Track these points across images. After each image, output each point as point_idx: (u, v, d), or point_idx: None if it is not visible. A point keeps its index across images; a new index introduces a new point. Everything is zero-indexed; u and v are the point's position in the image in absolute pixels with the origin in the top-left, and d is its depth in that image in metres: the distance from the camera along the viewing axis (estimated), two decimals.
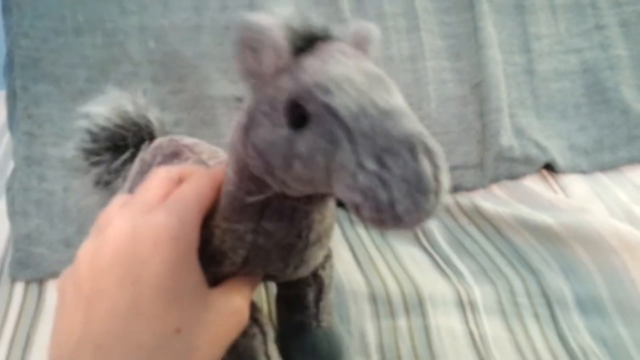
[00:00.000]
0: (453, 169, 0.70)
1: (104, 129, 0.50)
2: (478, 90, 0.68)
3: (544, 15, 0.72)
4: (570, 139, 0.74)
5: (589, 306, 0.53)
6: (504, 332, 0.51)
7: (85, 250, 0.30)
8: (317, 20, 0.29)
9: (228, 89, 0.62)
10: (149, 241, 0.28)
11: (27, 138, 0.62)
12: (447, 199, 0.66)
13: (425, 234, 0.63)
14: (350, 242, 0.63)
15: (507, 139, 0.68)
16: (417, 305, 0.54)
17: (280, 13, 0.27)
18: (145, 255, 0.28)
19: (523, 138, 0.70)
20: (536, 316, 0.53)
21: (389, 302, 0.55)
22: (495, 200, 0.67)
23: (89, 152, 0.51)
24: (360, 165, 0.23)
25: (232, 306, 0.31)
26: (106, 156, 0.51)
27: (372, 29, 0.30)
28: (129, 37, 0.63)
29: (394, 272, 0.58)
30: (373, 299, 0.55)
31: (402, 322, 0.53)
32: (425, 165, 0.23)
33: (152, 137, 0.51)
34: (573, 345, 0.50)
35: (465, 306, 0.54)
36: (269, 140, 0.27)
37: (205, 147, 0.45)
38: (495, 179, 0.71)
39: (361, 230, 0.65)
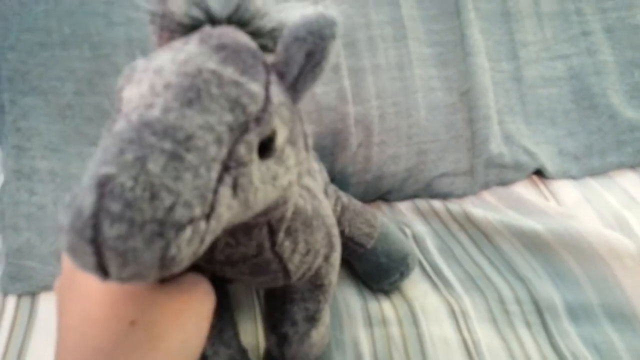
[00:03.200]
0: (443, 176, 0.69)
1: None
2: (466, 97, 0.68)
3: (530, 22, 0.72)
4: (560, 145, 0.73)
5: (579, 313, 0.53)
6: (496, 339, 0.51)
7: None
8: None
9: None
10: None
11: (16, 152, 0.62)
12: (438, 205, 0.66)
13: (415, 240, 0.63)
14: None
15: (496, 145, 0.68)
16: (408, 314, 0.54)
17: None
18: None
19: (512, 144, 0.70)
20: (527, 324, 0.53)
21: (381, 310, 0.55)
22: (485, 207, 0.67)
23: None
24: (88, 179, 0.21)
25: (197, 287, 0.29)
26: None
27: (322, 21, 0.25)
28: (116, 49, 0.62)
29: None
30: (365, 307, 0.55)
31: (394, 330, 0.53)
32: (86, 202, 0.19)
33: None
34: (565, 352, 0.50)
35: (457, 315, 0.54)
36: None
37: None
38: (486, 186, 0.71)
39: None
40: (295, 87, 0.26)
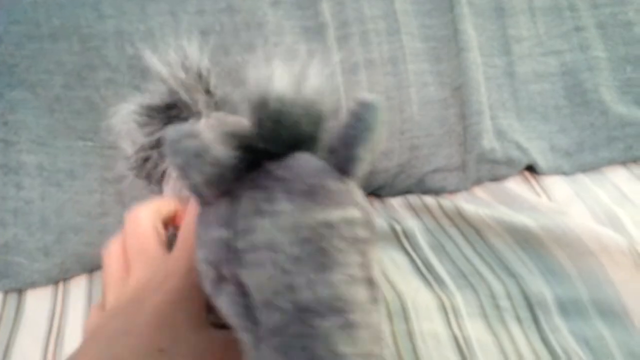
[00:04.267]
0: (435, 171, 0.69)
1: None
2: (459, 93, 0.67)
3: (524, 17, 0.72)
4: (552, 141, 0.73)
5: (570, 308, 0.53)
6: (487, 335, 0.51)
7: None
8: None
9: None
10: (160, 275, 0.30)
11: (3, 145, 0.61)
12: (430, 200, 0.66)
13: (407, 236, 0.63)
14: None
15: (488, 141, 0.68)
16: (399, 310, 0.54)
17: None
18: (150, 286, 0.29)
19: (504, 140, 0.70)
20: (518, 319, 0.53)
21: None
22: (477, 202, 0.67)
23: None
24: None
25: (224, 339, 0.29)
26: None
27: (372, 106, 0.24)
28: (106, 42, 0.61)
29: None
30: None
31: (384, 327, 0.52)
32: None
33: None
34: (556, 347, 0.50)
35: (447, 311, 0.53)
36: (201, 271, 0.25)
37: None
38: (478, 181, 0.71)
39: None
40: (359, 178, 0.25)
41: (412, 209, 0.68)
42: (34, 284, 0.59)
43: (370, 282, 0.23)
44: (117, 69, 0.61)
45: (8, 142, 0.61)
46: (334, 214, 0.23)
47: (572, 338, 0.50)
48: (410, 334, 0.51)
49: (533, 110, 0.72)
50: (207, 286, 0.24)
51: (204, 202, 0.25)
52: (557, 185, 0.70)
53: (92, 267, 0.61)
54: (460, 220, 0.64)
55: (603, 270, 0.55)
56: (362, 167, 0.24)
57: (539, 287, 0.55)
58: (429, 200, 0.68)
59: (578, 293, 0.54)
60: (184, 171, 0.22)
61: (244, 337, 0.22)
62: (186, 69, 0.44)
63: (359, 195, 0.25)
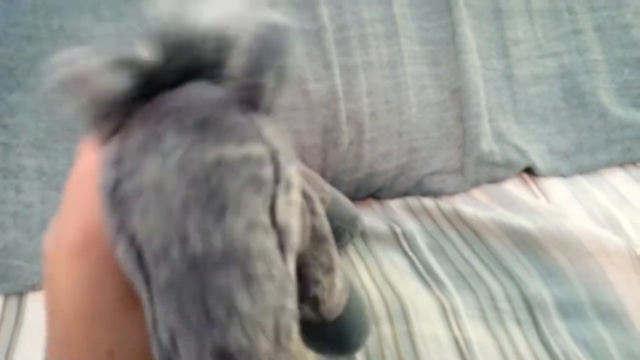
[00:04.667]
0: (434, 173, 0.69)
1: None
2: (457, 95, 0.68)
3: (522, 20, 0.72)
4: (550, 143, 0.74)
5: (569, 310, 0.54)
6: (487, 337, 0.51)
7: None
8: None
9: None
10: (62, 261, 0.25)
11: (3, 149, 0.61)
12: (429, 202, 0.66)
13: (406, 238, 0.63)
14: None
15: (487, 143, 0.68)
16: (399, 312, 0.54)
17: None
18: (60, 279, 0.25)
19: (503, 142, 0.70)
20: (518, 321, 0.53)
21: (372, 308, 0.54)
22: (476, 205, 0.67)
23: None
24: (155, 330, 0.20)
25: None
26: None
27: (279, 29, 0.21)
28: (105, 45, 0.61)
29: (375, 280, 0.58)
30: None
31: (385, 328, 0.52)
32: None
33: None
34: (556, 349, 0.50)
35: (447, 313, 0.54)
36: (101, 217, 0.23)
37: None
38: (476, 183, 0.71)
39: None
40: (270, 110, 0.23)
41: (411, 211, 0.68)
42: (34, 287, 0.59)
43: (277, 228, 0.21)
44: None
45: (7, 146, 0.61)
46: (230, 151, 0.20)
47: (571, 340, 0.51)
48: (410, 336, 0.51)
49: (531, 113, 0.73)
50: (109, 239, 0.21)
51: (101, 142, 0.22)
52: (556, 187, 0.71)
53: None
54: (459, 222, 0.64)
55: (602, 272, 0.55)
56: (271, 97, 0.21)
57: (538, 289, 0.55)
58: (428, 202, 0.68)
59: (577, 295, 0.54)
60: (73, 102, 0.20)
61: (141, 295, 0.20)
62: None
63: (267, 130, 0.21)
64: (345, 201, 0.58)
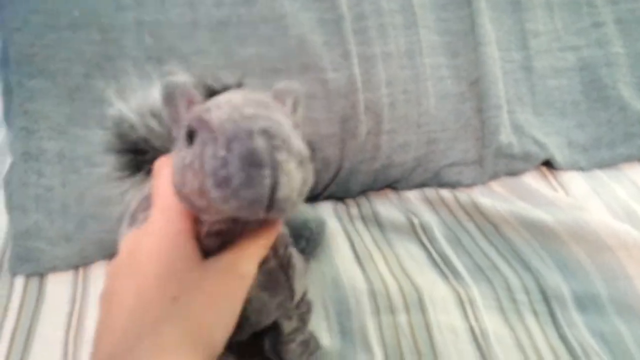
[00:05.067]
0: (452, 165, 0.69)
1: (126, 134, 0.45)
2: (476, 87, 0.67)
3: (541, 12, 0.72)
4: (569, 136, 0.73)
5: (587, 303, 0.54)
6: (504, 328, 0.51)
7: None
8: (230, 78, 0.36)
9: None
10: (147, 236, 0.33)
11: (24, 133, 0.61)
12: (446, 194, 0.66)
13: (423, 229, 0.63)
14: (350, 236, 0.63)
15: (506, 135, 0.68)
16: (416, 302, 0.54)
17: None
18: (143, 245, 0.32)
19: (522, 135, 0.69)
20: (535, 313, 0.53)
21: (389, 298, 0.55)
22: (494, 197, 0.67)
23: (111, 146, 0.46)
24: (215, 156, 0.26)
25: (231, 270, 0.32)
26: (123, 159, 0.45)
27: (294, 85, 0.34)
28: (125, 33, 0.61)
29: (392, 270, 0.58)
30: (372, 294, 0.55)
31: (402, 318, 0.53)
32: (259, 143, 0.25)
33: None
34: (573, 341, 0.50)
35: (464, 304, 0.54)
36: (175, 165, 0.30)
37: None
38: (494, 176, 0.71)
39: (360, 225, 0.65)
40: None
41: (429, 202, 0.68)
42: (54, 269, 0.60)
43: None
44: (136, 60, 0.61)
45: (29, 130, 0.61)
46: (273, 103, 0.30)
47: (588, 333, 0.50)
48: (427, 326, 0.51)
49: (550, 106, 0.72)
50: (177, 163, 0.29)
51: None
52: (574, 181, 0.70)
53: (112, 253, 0.62)
54: (476, 214, 0.64)
55: (620, 265, 0.55)
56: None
57: (556, 281, 0.55)
58: (446, 194, 0.68)
59: (595, 288, 0.54)
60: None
61: (207, 155, 0.26)
62: (155, 115, 0.44)
63: None
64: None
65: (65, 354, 0.51)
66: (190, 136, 0.29)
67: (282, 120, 0.28)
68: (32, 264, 0.60)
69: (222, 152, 0.26)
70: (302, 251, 0.54)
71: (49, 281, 0.59)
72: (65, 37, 0.61)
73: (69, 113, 0.62)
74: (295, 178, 0.26)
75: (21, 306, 0.57)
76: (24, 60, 0.62)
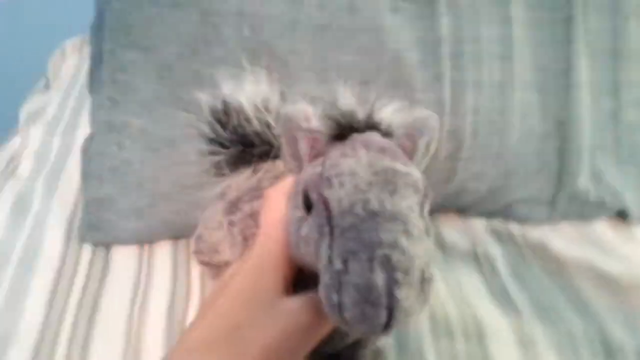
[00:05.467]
0: (524, 201, 0.70)
1: (240, 125, 0.45)
2: (562, 127, 0.68)
3: (638, 64, 0.71)
4: None
5: None
6: None
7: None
8: (359, 110, 0.34)
9: (315, 90, 0.61)
10: (246, 262, 0.34)
11: (110, 103, 0.62)
12: (515, 229, 0.66)
13: (488, 259, 0.64)
14: None
15: (584, 180, 0.68)
16: (475, 332, 0.55)
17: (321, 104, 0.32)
18: (241, 268, 0.34)
19: (600, 183, 0.69)
20: None
21: (448, 324, 0.55)
22: (564, 238, 0.68)
23: (217, 137, 0.46)
24: (330, 262, 0.26)
25: (297, 315, 0.31)
26: (231, 151, 0.46)
27: (430, 119, 0.32)
28: (226, 20, 0.62)
29: (453, 296, 0.59)
30: (433, 318, 0.56)
31: (460, 346, 0.53)
32: (378, 278, 0.24)
33: (276, 156, 0.46)
34: None
35: (525, 342, 0.54)
36: (290, 218, 0.31)
37: None
38: (565, 218, 0.71)
39: None
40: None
41: (496, 233, 0.68)
42: (122, 241, 0.61)
43: (425, 223, 0.28)
44: (232, 49, 0.62)
45: (115, 101, 0.62)
46: (400, 165, 0.29)
47: None
48: (485, 357, 0.51)
49: (634, 158, 0.71)
50: (293, 225, 0.30)
51: (299, 168, 0.32)
52: None
53: (178, 234, 0.63)
54: (544, 253, 0.65)
55: None
56: (418, 158, 0.32)
57: (621, 335, 0.55)
58: (514, 228, 0.68)
59: None
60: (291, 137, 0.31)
61: (322, 244, 0.27)
62: (267, 108, 0.46)
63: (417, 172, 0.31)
64: None
65: (130, 326, 0.53)
66: (307, 202, 0.29)
67: (401, 220, 0.26)
68: (100, 234, 0.61)
69: (338, 265, 0.25)
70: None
71: (116, 252, 0.61)
72: (164, 13, 0.62)
73: (157, 90, 0.62)
74: (413, 309, 0.25)
75: (88, 274, 0.58)
76: (120, 30, 0.62)
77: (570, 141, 0.67)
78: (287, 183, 0.36)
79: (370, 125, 0.33)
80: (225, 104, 0.46)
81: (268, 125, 0.45)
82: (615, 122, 0.70)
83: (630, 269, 0.61)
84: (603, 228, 0.71)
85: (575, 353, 0.54)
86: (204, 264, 0.54)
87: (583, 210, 0.71)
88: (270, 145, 0.45)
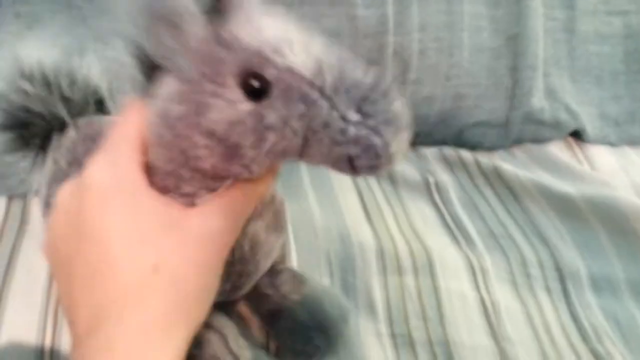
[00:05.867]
0: (476, 125, 0.67)
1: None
2: (514, 42, 0.64)
3: None
4: (602, 107, 0.71)
5: (602, 285, 0.52)
6: (515, 302, 0.50)
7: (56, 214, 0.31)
8: None
9: None
10: (95, 196, 0.28)
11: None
12: (467, 156, 0.63)
13: (439, 189, 0.60)
14: (360, 190, 0.60)
15: (538, 99, 0.65)
16: (426, 265, 0.52)
17: None
18: (94, 210, 0.28)
19: (554, 100, 0.67)
20: (548, 290, 0.52)
21: (397, 258, 0.53)
22: (516, 163, 0.65)
23: None
24: (345, 119, 0.24)
25: (210, 229, 0.28)
26: (5, 136, 0.40)
27: None
28: None
29: (402, 229, 0.56)
30: (380, 253, 0.53)
31: (409, 280, 0.51)
32: (399, 105, 0.24)
33: (62, 125, 0.41)
34: (584, 322, 0.49)
35: (476, 272, 0.52)
36: (231, 120, 0.25)
37: None
38: (519, 141, 0.69)
39: (371, 180, 0.61)
40: None
41: (447, 162, 0.65)
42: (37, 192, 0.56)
43: None
44: None
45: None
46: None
47: (602, 315, 0.50)
48: (435, 291, 0.50)
49: (588, 73, 0.69)
50: (243, 127, 0.25)
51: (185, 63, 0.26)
52: (601, 156, 0.68)
53: None
54: (496, 180, 0.62)
55: None
56: None
57: (574, 259, 0.54)
58: (466, 155, 0.65)
59: (613, 271, 0.53)
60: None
61: (315, 112, 0.24)
62: (30, 78, 0.39)
63: None
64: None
65: (50, 282, 0.49)
66: (254, 85, 0.24)
67: (347, 59, 0.25)
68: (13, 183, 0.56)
69: (355, 117, 0.24)
70: (317, 348, 0.43)
71: (33, 204, 0.56)
72: None
73: None
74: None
75: (2, 228, 0.53)
76: None
77: (523, 57, 0.64)
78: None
79: None
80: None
81: (28, 94, 0.39)
82: (570, 34, 0.66)
83: (584, 190, 0.59)
84: (556, 150, 0.68)
85: (528, 280, 0.52)
86: None
87: (537, 132, 0.68)
88: (43, 117, 0.40)
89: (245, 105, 0.24)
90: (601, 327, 0.48)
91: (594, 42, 0.69)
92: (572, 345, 0.46)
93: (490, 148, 0.67)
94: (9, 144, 0.40)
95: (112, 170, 0.28)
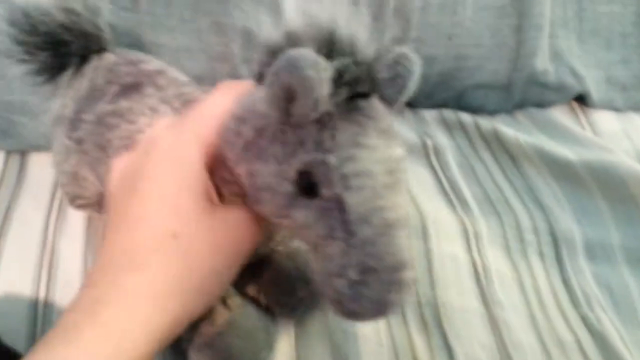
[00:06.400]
0: (477, 87, 0.65)
1: (40, 23, 0.39)
2: (519, 1, 0.62)
3: None
4: (609, 71, 0.69)
5: (597, 252, 0.52)
6: (507, 266, 0.50)
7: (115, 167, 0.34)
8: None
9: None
10: (155, 156, 0.31)
11: None
12: (467, 118, 0.62)
13: (436, 152, 0.59)
14: None
15: (542, 61, 0.63)
16: (419, 227, 0.52)
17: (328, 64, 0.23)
18: (149, 165, 0.30)
19: (560, 63, 0.65)
20: (541, 255, 0.52)
21: None
22: (517, 127, 0.64)
23: (20, 44, 0.40)
24: (344, 270, 0.25)
25: (237, 219, 0.30)
26: (41, 56, 0.40)
27: (411, 55, 0.28)
28: None
29: None
30: None
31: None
32: (394, 298, 0.26)
33: (101, 49, 0.42)
34: (576, 289, 0.49)
35: (469, 236, 0.52)
36: (271, 185, 0.27)
37: (171, 79, 0.40)
38: (521, 105, 0.67)
39: None
40: None
41: (446, 125, 0.64)
42: (37, 147, 0.56)
43: None
44: None
45: None
46: (400, 150, 0.27)
47: (594, 282, 0.49)
48: (427, 253, 0.50)
49: (596, 35, 0.67)
50: (278, 200, 0.27)
51: (291, 123, 0.26)
52: (606, 121, 0.67)
53: None
54: (496, 143, 0.61)
55: None
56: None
57: (569, 225, 0.53)
58: (466, 118, 0.64)
59: (609, 237, 0.52)
60: (296, 91, 0.23)
61: (331, 244, 0.26)
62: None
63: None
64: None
65: (45, 237, 0.49)
66: (306, 182, 0.26)
67: (405, 229, 0.27)
68: (13, 140, 0.56)
69: (354, 276, 0.25)
70: (300, 301, 0.43)
71: (31, 159, 0.56)
72: None
73: None
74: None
75: (0, 183, 0.53)
76: None
77: (529, 17, 0.62)
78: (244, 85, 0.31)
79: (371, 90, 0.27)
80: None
81: (75, 14, 0.39)
82: None
83: (584, 155, 0.58)
84: (559, 114, 0.67)
85: (522, 245, 0.52)
86: (81, 207, 0.49)
87: (541, 95, 0.67)
88: (86, 37, 0.40)
89: (288, 187, 0.26)
90: (592, 294, 0.48)
91: (604, 1, 0.66)
92: (562, 311, 0.47)
93: (492, 111, 0.66)
94: (47, 60, 0.40)
95: (179, 140, 0.30)
